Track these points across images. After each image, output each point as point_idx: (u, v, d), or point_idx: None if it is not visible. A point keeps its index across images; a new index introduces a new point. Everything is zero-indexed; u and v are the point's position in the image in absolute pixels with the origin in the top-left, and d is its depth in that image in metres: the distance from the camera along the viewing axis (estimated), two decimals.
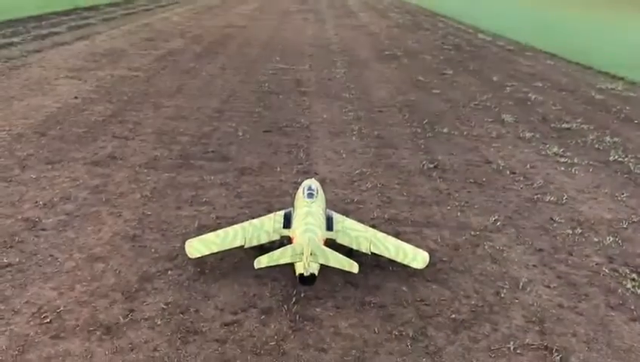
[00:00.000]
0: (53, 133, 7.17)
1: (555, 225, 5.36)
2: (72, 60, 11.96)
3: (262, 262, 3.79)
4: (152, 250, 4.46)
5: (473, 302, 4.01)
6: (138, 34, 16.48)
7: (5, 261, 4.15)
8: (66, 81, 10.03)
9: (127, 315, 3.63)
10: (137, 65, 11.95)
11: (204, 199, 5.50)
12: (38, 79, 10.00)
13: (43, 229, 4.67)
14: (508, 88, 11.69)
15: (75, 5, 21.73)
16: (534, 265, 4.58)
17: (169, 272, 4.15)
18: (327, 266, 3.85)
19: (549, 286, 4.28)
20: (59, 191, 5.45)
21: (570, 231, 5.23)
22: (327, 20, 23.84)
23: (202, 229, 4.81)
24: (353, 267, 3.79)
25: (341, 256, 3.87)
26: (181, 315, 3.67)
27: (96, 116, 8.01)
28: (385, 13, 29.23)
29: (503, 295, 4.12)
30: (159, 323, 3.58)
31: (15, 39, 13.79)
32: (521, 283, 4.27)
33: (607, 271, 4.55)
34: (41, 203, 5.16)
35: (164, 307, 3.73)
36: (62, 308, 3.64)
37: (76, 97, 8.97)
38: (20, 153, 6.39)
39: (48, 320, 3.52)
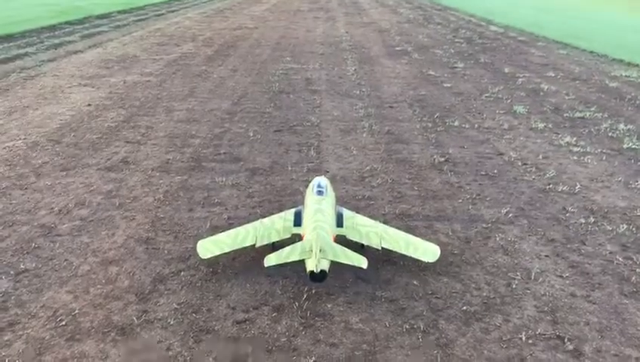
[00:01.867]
0: (67, 140, 7.28)
1: (567, 214, 5.33)
2: (85, 68, 12.12)
3: (271, 260, 3.83)
4: (165, 252, 4.52)
5: (485, 294, 4.01)
6: (150, 39, 16.64)
7: (22, 267, 4.24)
8: (79, 89, 10.17)
9: (141, 316, 3.69)
10: (149, 70, 12.07)
11: (215, 200, 5.55)
12: (52, 88, 10.15)
13: (58, 235, 4.76)
14: (520, 79, 11.61)
15: (88, 14, 22.00)
16: (546, 256, 4.56)
17: (182, 273, 4.21)
18: (338, 262, 3.87)
19: (561, 276, 4.26)
20: (73, 197, 5.54)
21: (583, 221, 5.19)
22: (338, 18, 23.83)
23: (214, 230, 4.86)
24: (362, 262, 3.81)
25: (350, 251, 3.89)
26: (194, 315, 3.72)
27: (109, 122, 8.12)
28: (395, 9, 29.13)
29: (514, 286, 4.11)
30: (172, 323, 3.63)
31: (29, 49, 14.00)
32: (533, 274, 4.25)
33: (620, 259, 4.51)
34: (56, 209, 5.25)
35: (177, 307, 3.78)
36: (77, 311, 3.71)
37: (89, 104, 9.09)
38: (35, 161, 6.50)
39: (64, 323, 3.59)
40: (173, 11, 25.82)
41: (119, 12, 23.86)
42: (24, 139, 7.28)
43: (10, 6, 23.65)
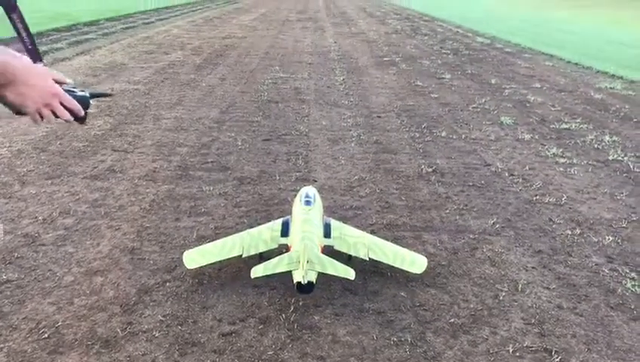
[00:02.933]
0: (53, 148, 7.21)
1: (554, 226, 5.35)
2: (73, 75, 12.00)
3: (258, 271, 3.80)
4: (151, 262, 4.47)
5: (472, 306, 4.00)
6: (138, 47, 16.59)
7: (4, 277, 4.17)
8: None
9: (126, 328, 3.63)
10: (137, 78, 12.02)
11: (202, 210, 5.51)
12: None
13: (42, 244, 4.69)
14: (506, 90, 11.70)
15: (76, 21, 21.89)
16: (533, 267, 4.57)
17: (167, 284, 4.16)
18: (325, 274, 3.85)
19: (548, 288, 4.26)
20: (58, 206, 5.47)
21: (570, 232, 5.21)
22: (326, 28, 23.93)
23: (201, 240, 4.83)
24: (349, 273, 3.79)
25: (338, 263, 3.87)
26: (179, 327, 3.67)
27: (96, 130, 8.06)
28: (384, 19, 29.32)
29: (501, 298, 4.11)
30: (157, 335, 3.58)
31: None
32: (520, 286, 4.26)
33: (606, 271, 4.54)
34: (40, 218, 5.18)
35: (163, 319, 3.73)
36: (60, 323, 3.65)
37: None
38: (20, 169, 6.43)
39: (46, 335, 3.53)
40: (162, 19, 25.80)
41: (107, 19, 23.78)
42: (9, 146, 7.20)
43: None
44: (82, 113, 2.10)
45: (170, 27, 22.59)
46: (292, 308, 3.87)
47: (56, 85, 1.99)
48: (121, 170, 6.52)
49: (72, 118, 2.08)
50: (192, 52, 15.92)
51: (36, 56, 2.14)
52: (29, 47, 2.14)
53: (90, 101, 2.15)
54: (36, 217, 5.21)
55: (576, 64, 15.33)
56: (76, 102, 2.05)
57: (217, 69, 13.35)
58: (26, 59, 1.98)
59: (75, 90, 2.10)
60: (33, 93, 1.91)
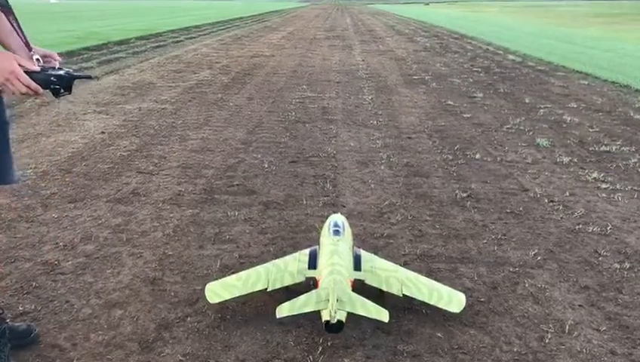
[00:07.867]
0: (77, 170, 7.11)
1: (600, 258, 4.99)
2: (101, 95, 12.06)
3: (284, 310, 3.54)
4: (172, 294, 4.26)
5: (515, 349, 3.68)
6: (167, 66, 16.66)
7: (20, 309, 3.99)
8: (93, 116, 10.08)
9: None
10: (165, 97, 11.98)
11: (227, 236, 5.30)
12: (67, 115, 10.07)
13: (61, 273, 4.52)
14: (541, 110, 11.32)
15: (107, 40, 22.18)
16: (580, 305, 4.22)
17: (188, 319, 3.93)
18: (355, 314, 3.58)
19: (598, 330, 3.92)
20: (80, 231, 5.32)
21: (618, 266, 4.85)
22: (354, 46, 23.80)
23: (224, 270, 4.61)
24: (382, 315, 3.51)
25: (369, 302, 3.59)
26: None
27: (122, 151, 7.96)
28: (412, 37, 29.13)
29: (547, 340, 3.78)
30: None
31: None
32: (567, 326, 3.92)
33: None
34: (61, 244, 5.03)
35: (182, 359, 3.50)
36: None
37: (103, 132, 8.97)
38: (44, 191, 6.32)
39: None
40: (191, 38, 26.03)
41: (137, 38, 24.06)
42: (34, 168, 7.12)
43: (27, 32, 23.96)
44: (40, 90, 2.52)
45: (200, 46, 22.74)
46: (320, 349, 3.60)
47: (16, 66, 2.43)
48: (146, 193, 6.36)
49: (26, 91, 2.47)
50: (220, 71, 15.91)
51: (28, 46, 2.82)
52: (23, 40, 2.81)
53: (73, 80, 2.64)
54: (57, 243, 5.05)
55: (613, 83, 14.85)
56: (31, 81, 2.45)
57: (245, 88, 13.26)
58: None
59: (51, 70, 2.60)
60: None
